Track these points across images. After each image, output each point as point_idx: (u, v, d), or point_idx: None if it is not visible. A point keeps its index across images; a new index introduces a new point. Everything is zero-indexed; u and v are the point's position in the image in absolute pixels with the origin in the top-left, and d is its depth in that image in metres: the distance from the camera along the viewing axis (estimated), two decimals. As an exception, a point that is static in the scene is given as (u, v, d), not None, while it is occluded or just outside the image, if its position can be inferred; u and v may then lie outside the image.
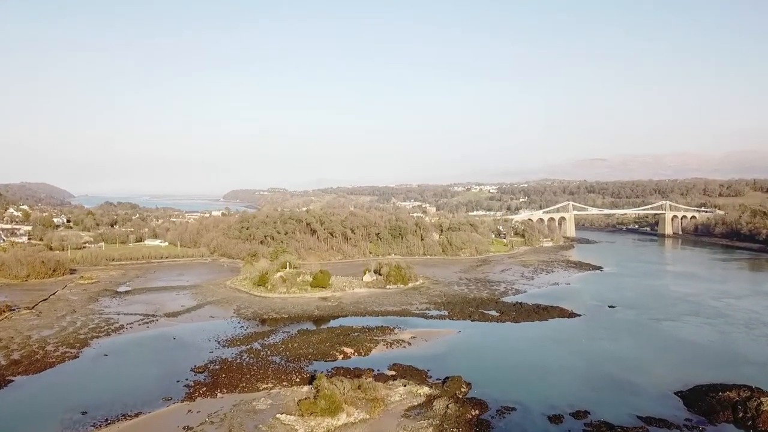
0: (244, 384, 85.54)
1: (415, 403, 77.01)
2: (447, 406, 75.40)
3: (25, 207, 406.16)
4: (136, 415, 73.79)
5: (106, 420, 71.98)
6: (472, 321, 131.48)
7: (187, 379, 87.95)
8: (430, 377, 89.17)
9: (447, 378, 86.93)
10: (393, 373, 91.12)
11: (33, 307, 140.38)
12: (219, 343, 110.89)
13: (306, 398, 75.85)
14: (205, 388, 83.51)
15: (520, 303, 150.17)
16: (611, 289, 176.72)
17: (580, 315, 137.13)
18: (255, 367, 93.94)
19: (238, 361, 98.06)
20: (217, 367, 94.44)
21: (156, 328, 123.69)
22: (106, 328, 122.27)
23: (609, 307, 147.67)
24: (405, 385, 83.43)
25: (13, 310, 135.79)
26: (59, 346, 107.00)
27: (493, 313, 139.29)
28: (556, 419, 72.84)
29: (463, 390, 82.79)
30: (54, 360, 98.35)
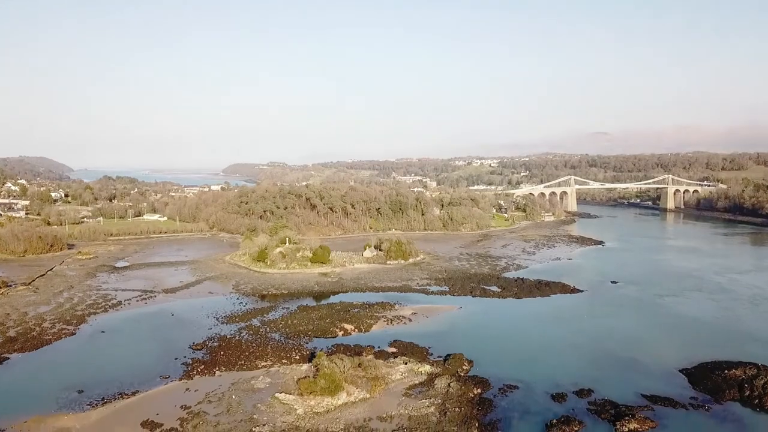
0: (243, 361, 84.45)
1: (417, 382, 75.89)
2: (449, 384, 74.29)
3: (23, 181, 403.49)
4: (133, 393, 72.78)
5: (103, 399, 71.00)
6: (473, 297, 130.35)
7: (185, 357, 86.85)
8: (431, 354, 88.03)
9: (448, 355, 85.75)
10: (394, 350, 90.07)
11: (30, 283, 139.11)
12: (218, 319, 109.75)
13: (305, 377, 74.69)
14: (203, 366, 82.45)
15: (522, 278, 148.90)
16: (613, 264, 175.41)
17: (582, 291, 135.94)
18: (254, 345, 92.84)
19: (236, 338, 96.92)
20: (215, 344, 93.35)
21: (154, 305, 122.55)
22: (103, 304, 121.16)
23: (611, 282, 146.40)
24: (406, 363, 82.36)
25: (10, 286, 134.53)
26: (56, 322, 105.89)
27: (495, 288, 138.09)
28: (559, 398, 71.76)
29: (464, 368, 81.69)
30: (50, 337, 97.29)
